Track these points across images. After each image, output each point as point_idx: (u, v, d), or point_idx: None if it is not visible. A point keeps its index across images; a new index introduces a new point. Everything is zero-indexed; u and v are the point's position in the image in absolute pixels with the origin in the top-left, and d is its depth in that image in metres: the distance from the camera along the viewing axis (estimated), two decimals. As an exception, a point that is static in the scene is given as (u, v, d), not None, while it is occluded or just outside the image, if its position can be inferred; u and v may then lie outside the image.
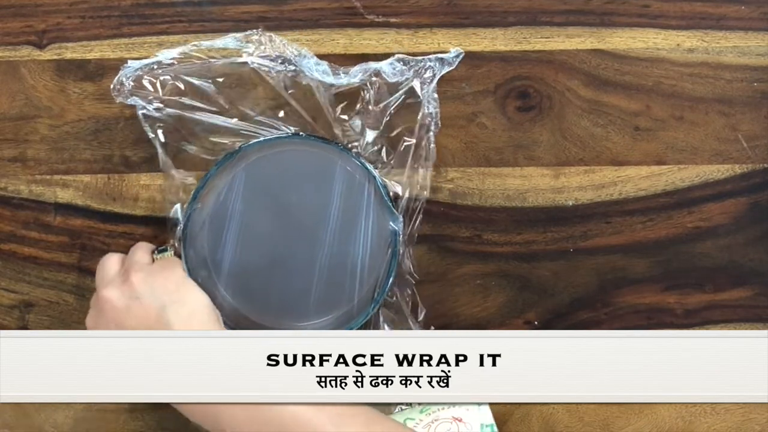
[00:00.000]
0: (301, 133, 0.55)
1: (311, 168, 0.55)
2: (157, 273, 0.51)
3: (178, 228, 0.55)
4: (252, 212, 0.54)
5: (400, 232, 0.55)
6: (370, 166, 0.55)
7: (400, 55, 0.56)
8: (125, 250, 0.58)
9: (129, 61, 0.55)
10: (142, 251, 0.54)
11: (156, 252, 0.54)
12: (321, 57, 0.56)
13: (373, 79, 0.55)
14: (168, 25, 0.58)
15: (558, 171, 0.57)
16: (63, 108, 0.58)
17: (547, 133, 0.57)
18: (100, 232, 0.58)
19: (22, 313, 0.59)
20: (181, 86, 0.55)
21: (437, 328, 0.58)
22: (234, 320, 0.54)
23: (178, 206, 0.56)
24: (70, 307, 0.58)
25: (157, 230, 0.58)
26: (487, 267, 0.58)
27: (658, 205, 0.57)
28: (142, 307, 0.49)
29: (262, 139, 0.55)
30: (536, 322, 0.58)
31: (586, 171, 0.57)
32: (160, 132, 0.56)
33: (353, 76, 0.55)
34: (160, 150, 0.56)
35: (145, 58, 0.56)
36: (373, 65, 0.55)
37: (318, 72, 0.55)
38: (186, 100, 0.55)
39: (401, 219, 0.55)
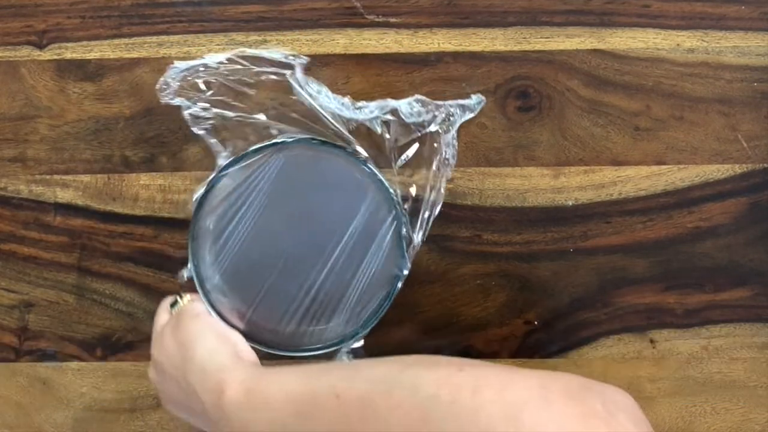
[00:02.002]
0: (347, 148, 0.54)
1: (345, 184, 0.54)
2: (169, 337, 0.50)
3: (197, 195, 0.54)
4: (273, 204, 0.53)
5: (402, 279, 0.54)
6: (400, 206, 0.54)
7: (420, 96, 0.56)
8: (125, 250, 0.58)
9: (175, 62, 0.55)
10: (161, 314, 0.53)
11: (171, 307, 0.53)
12: (321, 57, 0.56)
13: (390, 117, 0.55)
14: (168, 25, 0.58)
15: (558, 171, 0.57)
16: (63, 108, 0.58)
17: (547, 133, 0.57)
18: (100, 232, 0.58)
19: (22, 313, 0.59)
20: (225, 89, 0.55)
21: (437, 328, 0.58)
22: (226, 302, 0.54)
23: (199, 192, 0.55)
24: (70, 307, 0.58)
25: (157, 230, 0.58)
26: (487, 267, 0.58)
27: (658, 205, 0.57)
28: (170, 377, 0.49)
29: (308, 136, 0.54)
30: (536, 322, 0.58)
31: (586, 171, 0.57)
32: (207, 130, 0.55)
33: (370, 112, 0.55)
34: (212, 146, 0.55)
35: (189, 58, 0.56)
36: (391, 103, 0.55)
37: (336, 104, 0.55)
38: (230, 101, 0.55)
39: (409, 266, 0.54)
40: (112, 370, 0.59)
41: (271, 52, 0.55)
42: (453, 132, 0.56)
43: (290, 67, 0.56)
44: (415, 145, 0.56)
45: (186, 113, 0.55)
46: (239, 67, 0.56)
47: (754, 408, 0.57)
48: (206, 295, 0.53)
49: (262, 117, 0.56)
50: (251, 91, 0.56)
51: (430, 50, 0.57)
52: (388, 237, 0.54)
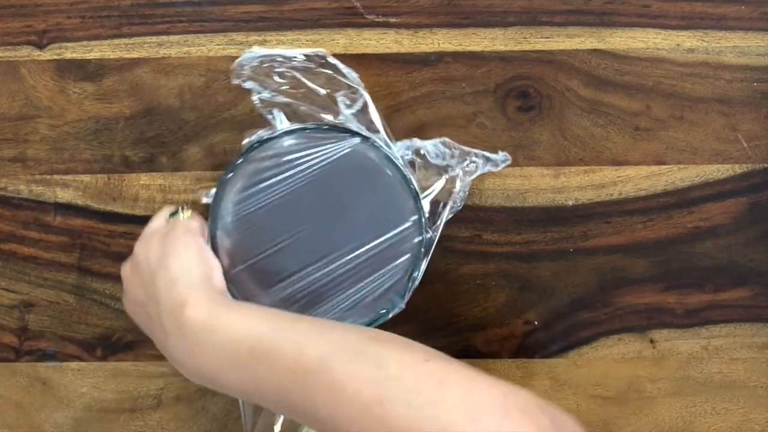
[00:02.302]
0: (409, 178, 0.53)
1: (390, 203, 0.53)
2: (156, 239, 0.50)
3: (257, 136, 0.54)
4: (318, 184, 0.53)
5: (388, 315, 0.53)
6: (425, 249, 0.53)
7: (446, 139, 0.55)
8: (125, 250, 0.58)
9: (253, 47, 0.55)
10: (158, 218, 0.53)
11: (170, 216, 0.53)
12: (321, 57, 0.56)
13: (414, 157, 0.55)
14: (168, 25, 0.58)
15: (558, 171, 0.57)
16: (63, 108, 0.58)
17: (547, 133, 0.57)
18: (100, 232, 0.58)
19: (22, 313, 0.59)
20: (297, 83, 0.55)
21: (437, 328, 0.58)
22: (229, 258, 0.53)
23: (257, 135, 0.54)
24: (70, 307, 0.58)
25: (157, 230, 0.58)
26: (487, 267, 0.58)
27: (658, 205, 0.57)
28: (140, 277, 0.49)
29: (381, 145, 0.53)
30: (536, 322, 0.58)
31: (586, 171, 0.57)
32: (280, 113, 0.55)
33: (397, 150, 0.54)
34: (281, 124, 0.55)
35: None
36: (417, 143, 0.55)
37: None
38: (301, 96, 0.55)
39: (402, 307, 0.53)
40: (112, 370, 0.59)
41: (348, 70, 0.55)
42: (469, 179, 0.55)
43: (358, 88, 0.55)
44: (439, 184, 0.55)
45: (256, 97, 0.55)
46: (313, 65, 0.55)
47: (754, 408, 0.57)
48: (214, 218, 0.52)
49: (329, 117, 0.55)
50: (323, 91, 0.55)
51: (430, 50, 0.57)
52: (400, 271, 0.53)
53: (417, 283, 0.53)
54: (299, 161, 0.53)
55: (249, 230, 0.53)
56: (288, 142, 0.53)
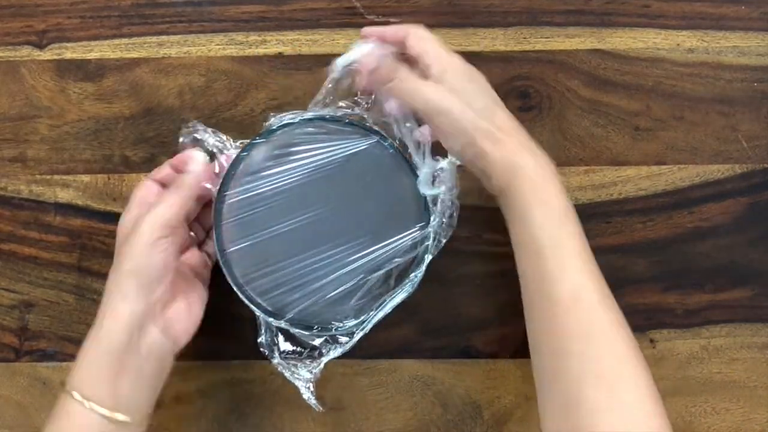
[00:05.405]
0: (417, 174, 0.53)
1: (403, 210, 0.53)
2: (139, 207, 0.49)
3: (280, 119, 0.53)
4: (332, 174, 0.52)
5: (378, 318, 0.53)
6: (424, 269, 0.53)
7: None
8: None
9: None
10: (163, 169, 0.52)
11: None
12: (321, 57, 0.56)
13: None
14: (168, 25, 0.58)
15: (558, 171, 0.57)
16: (63, 108, 0.58)
17: (547, 133, 0.57)
18: (100, 232, 0.58)
19: (22, 313, 0.59)
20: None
21: (437, 329, 0.58)
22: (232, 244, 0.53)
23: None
24: (70, 307, 0.58)
25: (157, 230, 0.58)
26: (487, 267, 0.58)
27: (658, 205, 0.57)
28: (121, 231, 0.49)
29: (394, 146, 0.53)
30: (536, 322, 0.58)
31: (586, 171, 0.57)
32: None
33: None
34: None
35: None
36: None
37: None
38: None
39: (383, 315, 0.53)
40: (112, 370, 0.59)
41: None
42: (456, 191, 0.55)
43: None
44: (440, 197, 0.55)
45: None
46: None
47: (754, 408, 0.57)
48: (222, 193, 0.52)
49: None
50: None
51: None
52: (395, 282, 0.53)
53: (412, 290, 0.53)
54: (315, 151, 0.53)
55: (254, 209, 0.53)
56: (308, 129, 0.53)
